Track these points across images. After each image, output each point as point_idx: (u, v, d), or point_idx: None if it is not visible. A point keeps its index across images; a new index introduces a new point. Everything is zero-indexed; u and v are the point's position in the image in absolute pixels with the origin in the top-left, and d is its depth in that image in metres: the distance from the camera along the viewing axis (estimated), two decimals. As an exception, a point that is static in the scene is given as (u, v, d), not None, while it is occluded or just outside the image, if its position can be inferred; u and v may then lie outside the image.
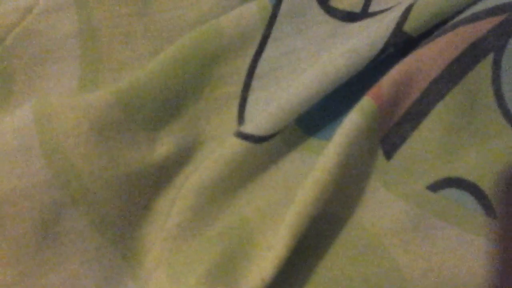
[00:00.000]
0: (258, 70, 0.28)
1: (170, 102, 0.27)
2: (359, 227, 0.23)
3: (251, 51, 0.29)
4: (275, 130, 0.25)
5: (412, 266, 0.22)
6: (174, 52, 0.27)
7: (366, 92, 0.25)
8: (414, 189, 0.23)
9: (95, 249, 0.24)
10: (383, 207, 0.23)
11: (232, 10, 0.29)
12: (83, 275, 0.24)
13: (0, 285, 0.22)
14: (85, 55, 0.29)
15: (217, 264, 0.22)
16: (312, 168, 0.23)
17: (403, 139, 0.25)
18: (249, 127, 0.25)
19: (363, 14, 0.30)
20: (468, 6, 0.27)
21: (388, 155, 0.25)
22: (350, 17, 0.30)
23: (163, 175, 0.26)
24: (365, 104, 0.24)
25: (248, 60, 0.28)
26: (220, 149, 0.25)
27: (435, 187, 0.23)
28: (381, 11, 0.29)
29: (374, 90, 0.25)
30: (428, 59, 0.25)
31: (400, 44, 0.26)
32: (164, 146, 0.26)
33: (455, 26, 0.26)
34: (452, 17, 0.26)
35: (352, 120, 0.24)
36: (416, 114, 0.25)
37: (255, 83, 0.28)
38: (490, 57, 0.25)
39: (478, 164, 0.24)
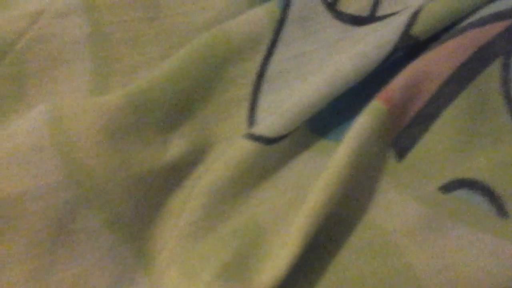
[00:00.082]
0: (268, 73, 0.29)
1: (180, 104, 0.27)
2: (371, 227, 0.23)
3: (260, 54, 0.29)
4: (286, 132, 0.26)
5: (425, 265, 0.21)
6: (184, 55, 0.27)
7: (375, 94, 0.25)
8: (426, 190, 0.23)
9: (108, 248, 0.24)
10: (395, 208, 0.23)
11: (240, 15, 0.29)
12: (96, 273, 0.24)
13: (15, 281, 0.23)
14: (96, 59, 0.29)
15: (230, 262, 0.23)
16: (323, 169, 0.23)
17: (414, 141, 0.25)
18: (259, 129, 0.26)
19: (371, 18, 0.30)
20: (475, 10, 0.27)
21: (400, 157, 0.25)
22: (357, 21, 0.30)
23: (175, 175, 0.26)
24: (375, 107, 0.24)
25: (257, 63, 0.29)
26: (231, 150, 0.26)
27: (447, 188, 0.24)
28: (389, 15, 0.29)
29: (383, 93, 0.25)
30: (437, 63, 0.25)
31: (408, 48, 0.27)
32: (176, 147, 0.26)
33: (463, 30, 0.26)
34: (460, 21, 0.27)
35: (363, 123, 0.24)
36: (426, 117, 0.25)
37: (265, 86, 0.29)
38: (499, 61, 0.26)
39: (489, 165, 0.24)
